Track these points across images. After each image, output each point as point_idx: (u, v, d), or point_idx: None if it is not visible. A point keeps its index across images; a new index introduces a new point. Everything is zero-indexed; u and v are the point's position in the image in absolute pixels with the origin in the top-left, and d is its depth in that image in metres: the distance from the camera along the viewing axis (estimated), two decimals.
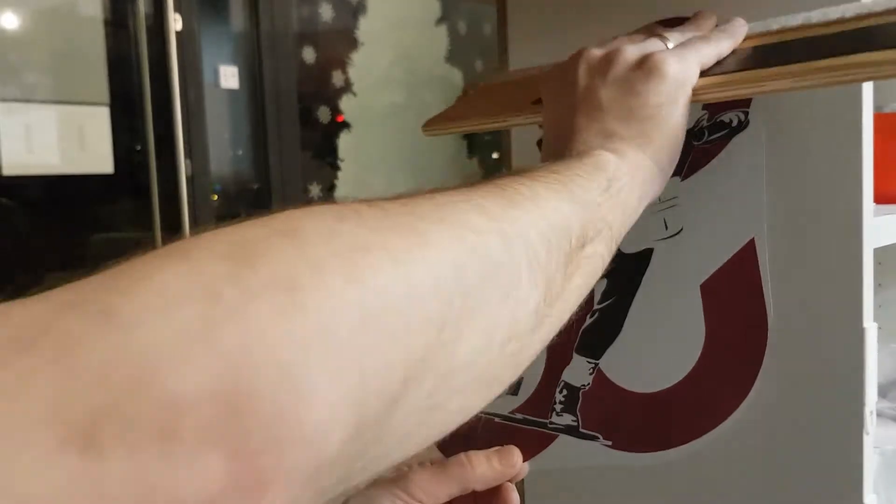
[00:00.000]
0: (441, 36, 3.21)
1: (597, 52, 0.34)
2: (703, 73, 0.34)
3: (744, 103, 0.39)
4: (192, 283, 0.15)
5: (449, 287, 0.19)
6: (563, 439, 0.43)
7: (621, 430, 0.41)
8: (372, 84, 2.94)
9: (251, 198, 2.69)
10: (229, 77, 2.53)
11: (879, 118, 0.47)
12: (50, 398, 0.12)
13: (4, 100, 1.99)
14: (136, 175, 2.33)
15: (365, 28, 2.92)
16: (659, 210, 0.40)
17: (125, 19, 2.28)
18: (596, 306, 0.43)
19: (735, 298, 0.38)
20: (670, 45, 0.34)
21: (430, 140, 3.19)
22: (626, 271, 0.41)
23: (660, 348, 0.40)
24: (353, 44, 2.89)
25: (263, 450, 0.14)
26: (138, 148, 2.30)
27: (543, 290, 0.23)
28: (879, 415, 0.52)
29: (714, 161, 0.39)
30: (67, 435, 0.12)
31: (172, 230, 2.35)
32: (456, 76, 3.27)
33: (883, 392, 0.60)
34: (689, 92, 0.33)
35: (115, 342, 0.13)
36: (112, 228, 2.35)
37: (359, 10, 2.91)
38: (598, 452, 0.42)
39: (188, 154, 2.34)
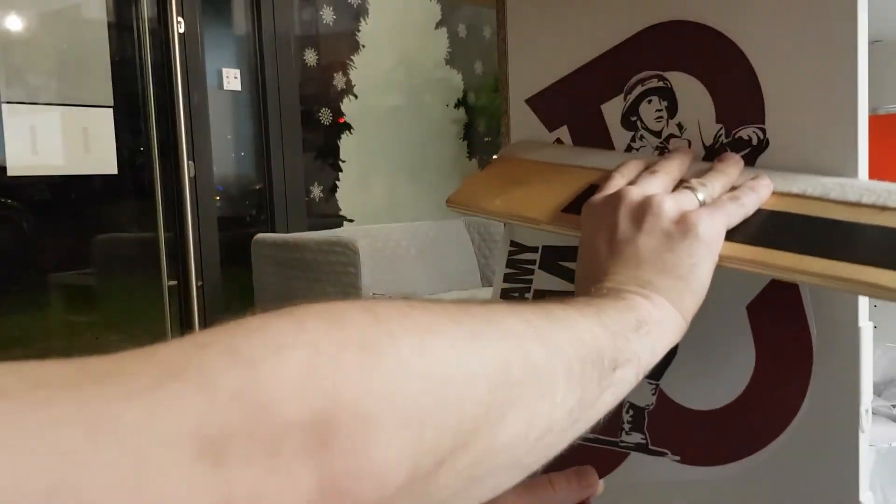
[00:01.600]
0: (441, 39, 3.22)
1: (635, 197, 0.35)
2: (728, 233, 0.35)
3: (759, 118, 0.39)
4: (297, 333, 0.18)
5: (496, 376, 0.22)
6: (635, 456, 0.44)
7: (689, 446, 0.42)
8: (373, 86, 2.95)
9: (254, 199, 2.70)
10: (232, 79, 2.54)
11: (875, 119, 0.47)
12: (193, 417, 0.15)
13: (9, 101, 2.00)
14: (139, 176, 2.33)
15: (366, 31, 2.93)
16: None
17: (129, 22, 2.29)
18: None
19: (780, 319, 0.39)
20: (700, 197, 0.35)
21: (431, 141, 3.19)
22: None
23: (715, 367, 0.41)
24: (354, 46, 2.90)
25: (344, 474, 0.17)
26: (142, 149, 2.31)
27: (579, 397, 0.26)
28: (875, 413, 0.52)
29: None
30: (203, 448, 0.15)
31: (175, 231, 2.36)
32: (455, 78, 3.28)
33: (878, 390, 0.60)
34: (716, 254, 0.34)
35: (241, 376, 0.17)
36: (116, 229, 2.36)
37: (360, 13, 2.92)
38: (668, 468, 0.43)
39: (191, 155, 2.35)
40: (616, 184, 0.37)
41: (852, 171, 0.37)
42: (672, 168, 0.38)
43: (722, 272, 0.34)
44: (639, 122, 0.44)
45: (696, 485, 0.42)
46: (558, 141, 0.48)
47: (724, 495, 0.42)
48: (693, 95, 0.42)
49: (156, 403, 0.15)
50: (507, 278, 0.49)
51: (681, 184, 0.37)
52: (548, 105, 0.48)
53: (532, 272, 0.48)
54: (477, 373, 0.22)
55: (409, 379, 0.19)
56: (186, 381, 0.16)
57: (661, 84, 0.43)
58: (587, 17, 0.46)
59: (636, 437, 0.44)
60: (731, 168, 0.38)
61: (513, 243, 0.49)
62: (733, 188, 0.37)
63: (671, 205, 0.34)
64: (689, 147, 0.42)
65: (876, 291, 0.30)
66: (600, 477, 0.39)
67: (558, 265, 0.47)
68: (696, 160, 0.40)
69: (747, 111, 0.40)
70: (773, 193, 0.36)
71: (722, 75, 0.41)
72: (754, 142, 0.40)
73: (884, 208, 0.33)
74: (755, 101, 0.40)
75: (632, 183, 0.37)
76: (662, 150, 0.44)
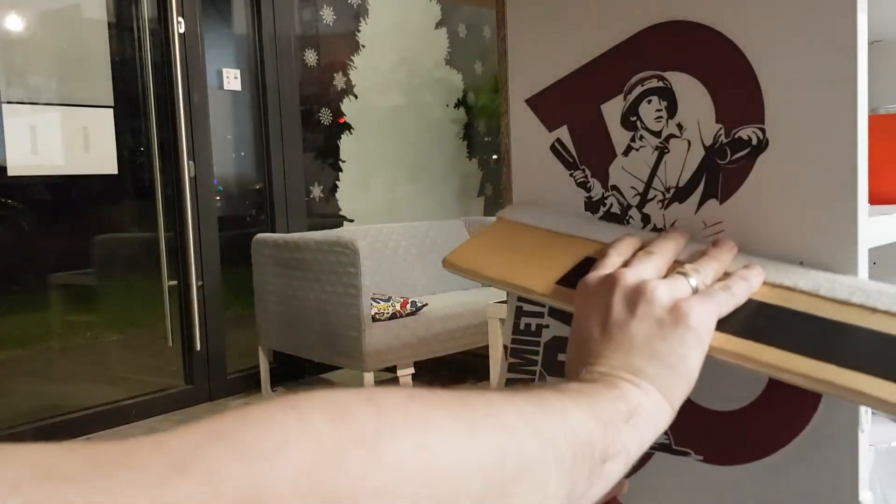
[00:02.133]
0: (441, 39, 3.23)
1: (630, 282, 0.35)
2: (718, 323, 0.35)
3: (758, 118, 0.40)
4: (301, 428, 0.19)
5: (490, 471, 0.23)
6: (659, 456, 0.44)
7: (710, 446, 0.43)
8: (373, 86, 2.95)
9: (254, 199, 2.70)
10: (232, 79, 2.54)
11: (874, 119, 0.47)
12: None
13: (9, 101, 2.00)
14: (139, 176, 2.34)
15: (366, 31, 2.94)
16: (707, 236, 0.41)
17: (129, 22, 2.29)
18: None
19: None
20: (693, 283, 0.36)
21: (431, 141, 3.19)
22: None
23: (734, 369, 0.41)
24: (354, 46, 2.90)
25: None
26: (142, 149, 2.31)
27: (569, 491, 0.27)
28: (875, 413, 0.52)
29: (747, 182, 0.40)
30: None
31: (175, 231, 2.36)
32: (455, 78, 3.28)
33: None
34: (707, 344, 0.34)
35: (245, 472, 0.17)
36: (116, 228, 2.36)
37: (360, 13, 2.92)
38: (691, 467, 0.43)
39: (191, 155, 2.35)
40: (611, 262, 0.38)
41: (852, 172, 0.37)
42: (667, 250, 0.39)
43: None
44: (638, 122, 0.44)
45: (719, 484, 0.42)
46: (558, 141, 0.48)
47: (725, 495, 0.42)
48: (693, 95, 0.42)
49: (161, 500, 0.15)
50: None
51: (675, 266, 0.38)
52: (548, 105, 0.48)
53: None
54: (472, 469, 0.22)
55: (407, 477, 0.20)
56: (192, 477, 0.16)
57: (660, 84, 0.43)
58: (587, 18, 0.46)
59: (660, 438, 0.44)
60: (725, 254, 0.39)
61: None
62: (726, 274, 0.37)
63: (664, 292, 0.34)
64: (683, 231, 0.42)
65: (862, 399, 0.31)
66: (626, 477, 0.40)
67: None
68: (691, 241, 0.41)
69: (747, 111, 0.40)
70: (764, 284, 0.37)
71: (722, 75, 0.41)
72: (754, 142, 0.40)
73: (874, 310, 0.33)
74: (755, 101, 0.40)
75: (627, 263, 0.37)
76: (662, 150, 0.44)
